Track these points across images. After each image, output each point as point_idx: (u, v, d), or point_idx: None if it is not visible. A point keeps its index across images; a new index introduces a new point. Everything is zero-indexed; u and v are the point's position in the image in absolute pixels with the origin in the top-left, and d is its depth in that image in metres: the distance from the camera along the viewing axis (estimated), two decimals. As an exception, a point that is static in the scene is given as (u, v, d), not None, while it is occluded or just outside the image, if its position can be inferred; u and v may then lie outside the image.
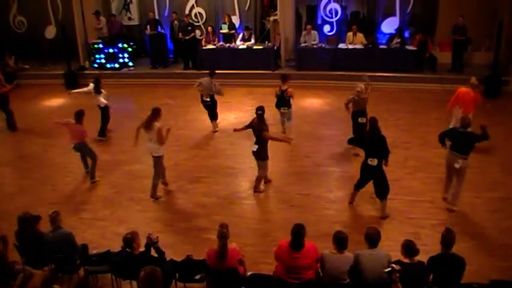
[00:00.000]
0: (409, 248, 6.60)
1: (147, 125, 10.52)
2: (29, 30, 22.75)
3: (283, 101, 13.22)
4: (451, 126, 11.70)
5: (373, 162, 9.41)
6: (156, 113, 10.56)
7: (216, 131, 14.48)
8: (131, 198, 10.86)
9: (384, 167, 9.51)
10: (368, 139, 9.62)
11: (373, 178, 9.66)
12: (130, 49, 20.64)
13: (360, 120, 12.10)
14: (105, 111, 14.05)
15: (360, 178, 9.90)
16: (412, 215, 9.79)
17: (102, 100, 13.83)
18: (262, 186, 11.08)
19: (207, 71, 14.51)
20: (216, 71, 14.42)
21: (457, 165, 9.64)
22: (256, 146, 10.49)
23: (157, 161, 10.77)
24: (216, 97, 14.33)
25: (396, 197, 10.35)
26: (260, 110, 10.47)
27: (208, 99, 14.15)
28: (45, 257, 7.75)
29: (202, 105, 14.30)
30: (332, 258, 6.76)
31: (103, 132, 14.19)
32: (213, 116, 14.51)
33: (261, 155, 10.55)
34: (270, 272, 7.18)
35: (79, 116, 11.44)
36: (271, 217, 9.99)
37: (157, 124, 10.45)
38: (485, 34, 19.01)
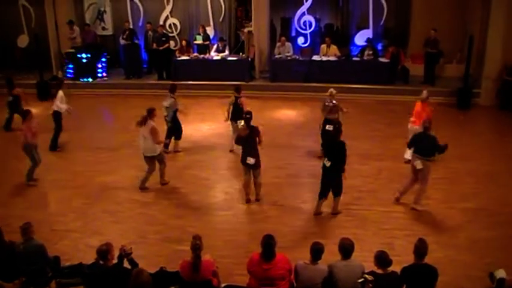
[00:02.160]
0: (382, 259, 6.62)
1: (143, 121, 10.94)
2: (1, 39, 22.41)
3: (239, 113, 12.62)
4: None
5: (327, 163, 9.74)
6: (150, 113, 10.99)
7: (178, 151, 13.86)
8: (104, 209, 10.73)
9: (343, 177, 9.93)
10: (328, 142, 10.14)
11: (330, 179, 9.95)
12: (103, 59, 20.50)
13: (327, 127, 12.16)
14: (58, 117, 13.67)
15: (321, 184, 10.10)
16: (385, 225, 9.84)
17: (60, 105, 13.47)
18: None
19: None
20: (190, 82, 14.26)
21: (418, 166, 10.00)
22: (252, 158, 10.35)
23: (157, 158, 11.32)
24: (182, 113, 13.68)
25: (370, 208, 10.44)
26: (249, 114, 10.50)
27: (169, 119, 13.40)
28: (16, 270, 7.61)
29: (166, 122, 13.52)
30: (306, 269, 6.76)
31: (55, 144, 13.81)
32: (178, 136, 13.75)
33: (259, 162, 10.51)
34: (244, 284, 7.15)
35: (25, 115, 11.60)
36: (246, 228, 9.95)
37: (151, 122, 10.90)
38: (457, 47, 19.37)
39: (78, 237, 9.67)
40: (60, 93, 13.57)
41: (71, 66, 20.41)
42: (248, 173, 10.68)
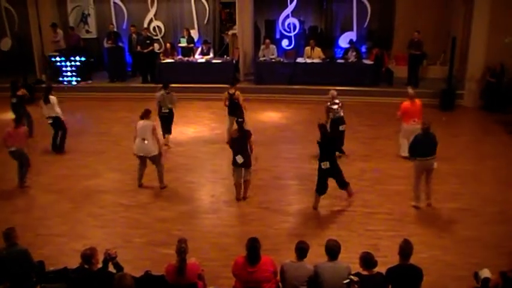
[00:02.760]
0: (367, 260, 6.63)
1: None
2: (-17, 42, 22.23)
3: (235, 107, 13.51)
4: (401, 137, 12.73)
5: (326, 165, 10.14)
6: (146, 114, 11.38)
7: (167, 146, 14.18)
8: (89, 213, 10.68)
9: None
10: (323, 144, 10.33)
11: (331, 176, 10.37)
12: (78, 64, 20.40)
13: (341, 128, 12.68)
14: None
15: (319, 182, 10.36)
16: (370, 226, 9.88)
17: (58, 110, 13.62)
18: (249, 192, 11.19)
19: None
20: (174, 85, 14.36)
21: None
22: (241, 157, 10.56)
23: (156, 158, 11.50)
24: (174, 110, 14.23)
25: (355, 209, 10.49)
26: (241, 118, 10.78)
27: (166, 111, 14.01)
28: (0, 275, 7.54)
29: (158, 117, 13.94)
30: (292, 267, 6.77)
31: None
32: (169, 130, 14.27)
33: (249, 162, 10.72)
34: (230, 287, 7.13)
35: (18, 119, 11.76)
36: (231, 231, 9.93)
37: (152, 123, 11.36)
38: (440, 49, 19.52)
39: (63, 241, 9.60)
40: (54, 98, 13.64)
41: (54, 69, 20.26)
42: (239, 173, 10.81)
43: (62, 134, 13.99)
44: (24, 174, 11.94)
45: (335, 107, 12.66)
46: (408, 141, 11.64)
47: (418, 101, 12.60)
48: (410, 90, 12.85)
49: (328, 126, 11.96)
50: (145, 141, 11.15)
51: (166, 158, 13.40)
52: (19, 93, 14.84)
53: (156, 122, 12.22)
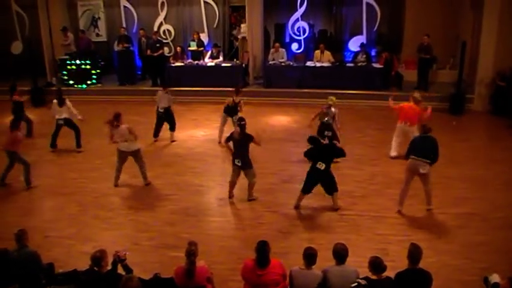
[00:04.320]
0: (376, 265, 6.61)
1: (116, 125, 11.66)
2: (-6, 45, 22.40)
3: (234, 111, 14.05)
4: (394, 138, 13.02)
5: (322, 166, 10.26)
6: (117, 117, 11.80)
7: (174, 141, 14.85)
8: (98, 216, 10.71)
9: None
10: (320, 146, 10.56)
11: (321, 180, 10.47)
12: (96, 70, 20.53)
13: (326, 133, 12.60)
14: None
15: (308, 182, 10.52)
16: (379, 231, 9.85)
17: (74, 111, 13.92)
18: (255, 194, 11.22)
19: (173, 88, 14.98)
20: (184, 88, 14.58)
21: (423, 171, 10.07)
22: (239, 160, 10.69)
23: (138, 154, 11.83)
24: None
25: (363, 214, 10.47)
26: (243, 121, 10.83)
27: (162, 110, 14.47)
28: (10, 277, 7.58)
29: (157, 115, 14.62)
30: (300, 274, 6.75)
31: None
32: (172, 127, 14.79)
33: (248, 164, 10.80)
34: (238, 290, 7.15)
35: (14, 123, 11.86)
36: (240, 234, 9.94)
37: (123, 125, 11.69)
38: (450, 53, 19.49)
39: (71, 244, 9.63)
40: (68, 101, 13.93)
41: (65, 72, 20.36)
42: (237, 173, 10.98)
43: (75, 134, 14.18)
44: (27, 175, 12.02)
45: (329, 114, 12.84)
46: (397, 140, 11.85)
47: (420, 107, 12.58)
48: (416, 95, 12.83)
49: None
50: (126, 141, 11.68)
51: (175, 162, 13.48)
52: (14, 98, 15.01)
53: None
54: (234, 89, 14.59)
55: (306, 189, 10.58)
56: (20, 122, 12.26)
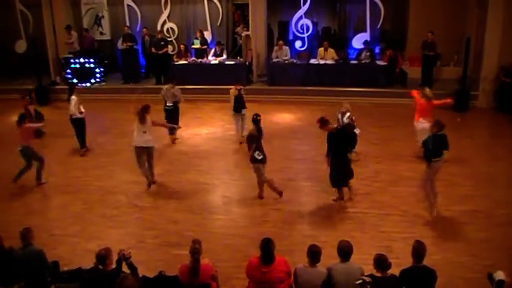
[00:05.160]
0: (381, 262, 6.62)
1: (142, 119, 11.43)
2: (-2, 44, 22.44)
3: (241, 103, 14.07)
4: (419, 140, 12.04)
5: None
6: (145, 109, 11.55)
7: (176, 139, 14.83)
8: (103, 214, 10.75)
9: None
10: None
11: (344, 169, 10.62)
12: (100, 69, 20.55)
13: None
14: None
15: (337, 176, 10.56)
16: (383, 228, 9.86)
17: (72, 109, 13.66)
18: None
19: (177, 86, 14.96)
20: (188, 86, 14.60)
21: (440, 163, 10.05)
22: (260, 152, 10.80)
23: (152, 151, 11.74)
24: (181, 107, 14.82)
25: (368, 211, 10.47)
26: (259, 116, 11.04)
27: (171, 105, 14.50)
28: (15, 275, 7.62)
29: (165, 111, 14.63)
30: (305, 271, 6.76)
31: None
32: (176, 123, 14.64)
33: (265, 159, 10.93)
34: (243, 288, 7.16)
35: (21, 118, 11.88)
36: (244, 232, 9.95)
37: (149, 117, 11.54)
38: (454, 50, 19.43)
39: (76, 242, 9.68)
40: (74, 98, 13.69)
41: (68, 71, 20.40)
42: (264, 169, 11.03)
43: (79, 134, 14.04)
44: (40, 171, 12.12)
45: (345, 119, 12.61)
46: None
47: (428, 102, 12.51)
48: (427, 91, 12.62)
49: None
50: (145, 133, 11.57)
51: (180, 160, 13.50)
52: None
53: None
54: (235, 80, 14.82)
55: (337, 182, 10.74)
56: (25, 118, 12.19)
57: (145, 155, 11.62)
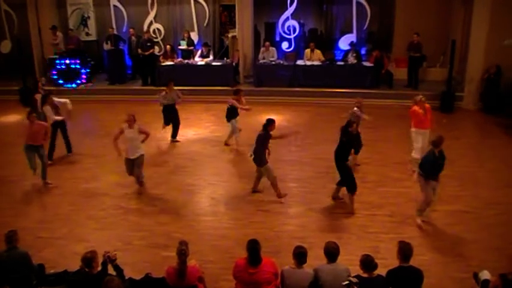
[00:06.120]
0: (367, 263, 6.63)
1: (130, 125, 11.19)
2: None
3: (235, 113, 13.92)
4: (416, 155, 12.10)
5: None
6: (132, 117, 11.29)
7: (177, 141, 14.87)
8: (89, 216, 10.68)
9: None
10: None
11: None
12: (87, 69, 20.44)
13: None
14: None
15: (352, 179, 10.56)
16: (371, 229, 9.88)
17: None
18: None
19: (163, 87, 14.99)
20: (174, 87, 14.52)
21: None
22: (252, 154, 11.08)
23: (142, 159, 11.49)
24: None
25: (355, 212, 10.46)
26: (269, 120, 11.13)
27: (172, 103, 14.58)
28: (0, 278, 7.54)
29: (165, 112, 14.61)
30: (292, 273, 6.75)
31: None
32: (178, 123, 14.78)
33: (257, 161, 11.13)
34: (230, 289, 7.14)
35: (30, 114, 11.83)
36: (231, 233, 9.92)
37: (136, 124, 11.30)
38: (440, 51, 19.53)
39: (63, 244, 9.60)
40: (48, 107, 13.18)
41: (54, 72, 20.27)
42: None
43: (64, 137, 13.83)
44: (43, 171, 12.08)
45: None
46: (418, 146, 11.79)
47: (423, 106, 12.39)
48: (418, 97, 12.50)
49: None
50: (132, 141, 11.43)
51: (167, 161, 13.45)
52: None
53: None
54: (233, 92, 14.54)
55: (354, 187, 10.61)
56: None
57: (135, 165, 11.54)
